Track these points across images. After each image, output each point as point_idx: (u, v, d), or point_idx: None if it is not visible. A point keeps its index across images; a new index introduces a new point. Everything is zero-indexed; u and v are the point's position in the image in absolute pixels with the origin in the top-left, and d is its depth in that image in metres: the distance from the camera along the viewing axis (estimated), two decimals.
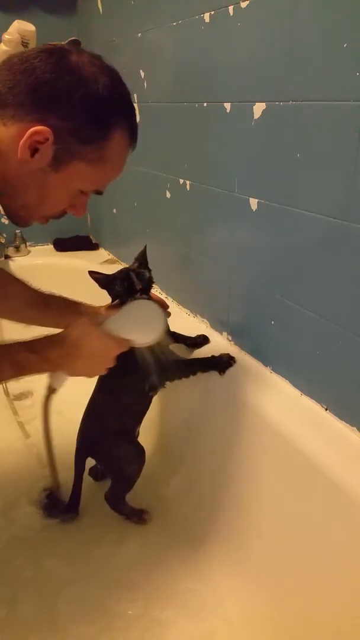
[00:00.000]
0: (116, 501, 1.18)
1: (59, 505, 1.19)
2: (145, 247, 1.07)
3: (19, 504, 1.23)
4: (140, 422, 1.17)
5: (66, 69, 0.69)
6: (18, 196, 0.75)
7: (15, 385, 1.57)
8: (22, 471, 1.33)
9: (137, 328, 0.92)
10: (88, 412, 1.14)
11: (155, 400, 1.35)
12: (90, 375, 0.95)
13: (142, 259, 1.07)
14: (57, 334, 0.87)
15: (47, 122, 0.69)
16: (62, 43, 0.74)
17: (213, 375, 1.17)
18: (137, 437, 1.18)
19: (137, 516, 1.19)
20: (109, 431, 1.13)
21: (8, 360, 0.83)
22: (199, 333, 1.28)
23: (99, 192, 0.81)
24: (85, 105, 0.70)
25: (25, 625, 0.97)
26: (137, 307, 0.95)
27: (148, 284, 1.03)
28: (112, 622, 0.98)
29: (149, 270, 1.05)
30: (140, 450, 1.16)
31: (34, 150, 0.70)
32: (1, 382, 1.46)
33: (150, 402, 1.17)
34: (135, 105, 1.51)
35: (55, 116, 0.69)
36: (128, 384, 1.09)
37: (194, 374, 1.15)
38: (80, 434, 1.15)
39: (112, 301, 1.04)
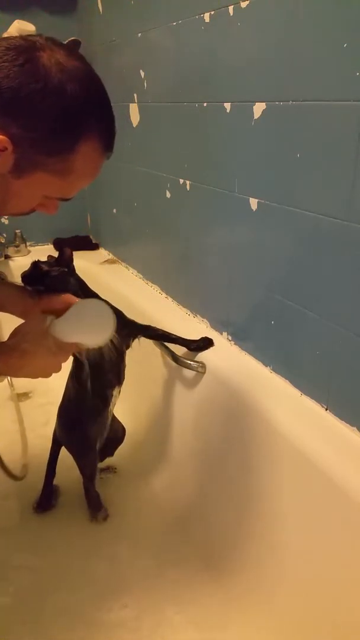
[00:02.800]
0: (84, 487, 1.21)
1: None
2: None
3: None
4: (99, 414, 1.16)
5: (31, 74, 0.64)
6: None
7: None
8: None
9: (86, 329, 0.88)
10: (62, 400, 1.19)
11: (156, 401, 1.35)
12: (36, 378, 0.91)
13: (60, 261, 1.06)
14: (5, 342, 0.84)
15: (7, 130, 0.65)
16: (38, 38, 0.67)
17: (213, 375, 1.17)
18: (104, 432, 1.20)
19: (95, 512, 1.21)
20: (69, 418, 1.17)
21: None
22: (198, 333, 1.27)
23: (65, 199, 0.77)
24: (48, 116, 0.65)
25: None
26: (84, 307, 0.91)
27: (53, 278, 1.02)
28: (102, 629, 0.98)
29: (68, 273, 1.05)
30: (91, 444, 1.17)
31: None
32: None
33: (109, 397, 1.17)
34: (135, 105, 1.51)
35: (16, 125, 0.65)
36: (79, 377, 1.13)
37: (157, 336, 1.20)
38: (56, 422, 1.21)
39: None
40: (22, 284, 1.06)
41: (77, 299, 1.03)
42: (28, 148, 0.67)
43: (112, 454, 1.26)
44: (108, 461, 1.28)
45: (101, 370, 1.11)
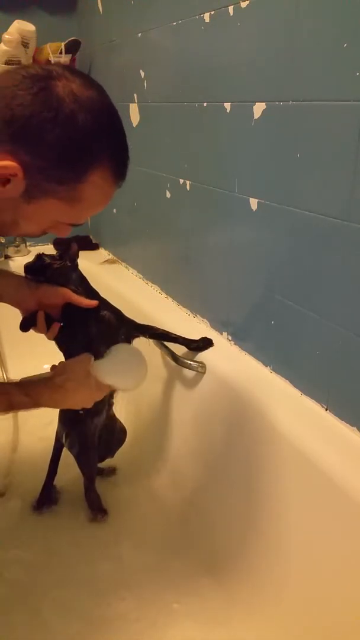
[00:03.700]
0: (84, 487, 1.21)
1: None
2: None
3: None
4: (97, 414, 1.16)
5: (45, 104, 0.64)
6: None
7: None
8: None
9: (122, 375, 0.96)
10: None
11: (156, 401, 1.35)
12: (71, 408, 1.01)
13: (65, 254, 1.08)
14: (50, 379, 0.92)
15: (18, 156, 0.66)
16: (55, 67, 0.68)
17: (213, 375, 1.17)
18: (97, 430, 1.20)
19: (94, 512, 1.21)
20: (70, 418, 1.16)
21: (4, 402, 0.88)
22: (198, 333, 1.27)
23: (76, 225, 0.79)
24: (58, 146, 0.66)
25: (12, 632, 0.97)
26: (123, 353, 0.98)
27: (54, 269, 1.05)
28: (102, 624, 0.98)
29: (71, 268, 1.07)
30: (90, 444, 1.18)
31: (6, 181, 0.68)
32: None
33: (107, 396, 1.16)
34: (135, 105, 1.51)
35: (26, 152, 0.66)
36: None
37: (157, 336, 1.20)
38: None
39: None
40: (23, 275, 1.07)
41: (74, 296, 1.04)
42: (38, 175, 0.68)
43: (112, 455, 1.26)
44: (108, 462, 1.28)
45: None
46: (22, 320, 1.04)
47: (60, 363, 0.95)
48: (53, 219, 0.75)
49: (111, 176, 0.73)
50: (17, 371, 1.68)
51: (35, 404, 0.93)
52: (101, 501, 1.21)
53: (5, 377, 1.71)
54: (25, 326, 1.04)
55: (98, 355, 1.05)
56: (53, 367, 0.98)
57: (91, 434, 1.16)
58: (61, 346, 1.09)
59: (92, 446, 1.17)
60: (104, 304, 1.09)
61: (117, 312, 1.10)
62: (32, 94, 0.64)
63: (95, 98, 0.68)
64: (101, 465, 1.26)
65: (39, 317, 1.03)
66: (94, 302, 1.06)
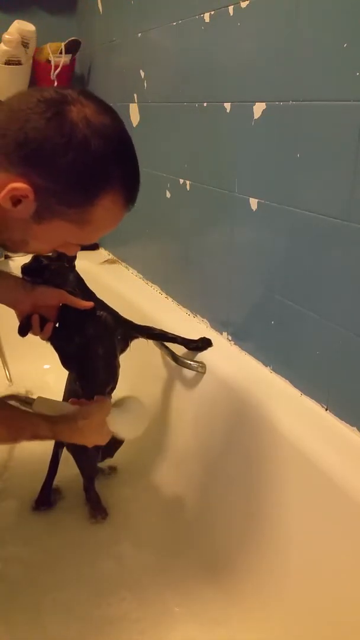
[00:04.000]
0: (84, 487, 1.22)
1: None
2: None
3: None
4: None
5: (57, 128, 0.65)
6: (4, 232, 0.75)
7: None
8: None
9: (129, 427, 1.04)
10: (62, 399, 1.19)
11: (156, 401, 1.35)
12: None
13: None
14: (74, 420, 0.96)
15: (30, 178, 0.67)
16: (70, 91, 0.68)
17: (213, 375, 1.17)
18: None
19: (94, 512, 1.21)
20: None
21: (30, 432, 0.92)
22: (198, 333, 1.27)
23: (85, 245, 0.79)
24: (70, 170, 0.67)
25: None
26: (134, 408, 1.05)
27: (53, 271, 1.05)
28: (102, 625, 0.98)
29: (69, 269, 1.08)
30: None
31: (17, 201, 0.68)
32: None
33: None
34: (135, 105, 1.51)
35: (38, 175, 0.67)
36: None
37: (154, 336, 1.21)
38: None
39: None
40: (18, 276, 1.07)
41: (70, 297, 1.04)
42: (49, 198, 0.68)
43: (112, 455, 1.26)
44: (108, 462, 1.28)
45: (95, 370, 1.11)
46: (19, 326, 1.05)
47: (84, 406, 0.99)
48: (62, 239, 0.76)
49: (121, 200, 0.74)
50: (18, 372, 1.70)
51: (54, 437, 1.01)
52: (101, 501, 1.21)
53: (8, 376, 1.72)
54: (22, 331, 1.04)
55: (95, 357, 1.05)
56: (74, 402, 1.01)
57: None
58: (57, 347, 1.10)
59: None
60: (101, 305, 1.09)
61: (114, 314, 1.10)
62: (46, 118, 0.65)
63: (109, 124, 0.69)
64: (101, 465, 1.26)
65: (34, 320, 1.04)
66: (89, 304, 1.06)
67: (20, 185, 0.66)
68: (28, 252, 0.83)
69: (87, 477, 1.20)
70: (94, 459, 1.20)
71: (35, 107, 0.65)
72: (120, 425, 1.01)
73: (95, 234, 0.76)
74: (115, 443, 1.26)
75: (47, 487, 1.24)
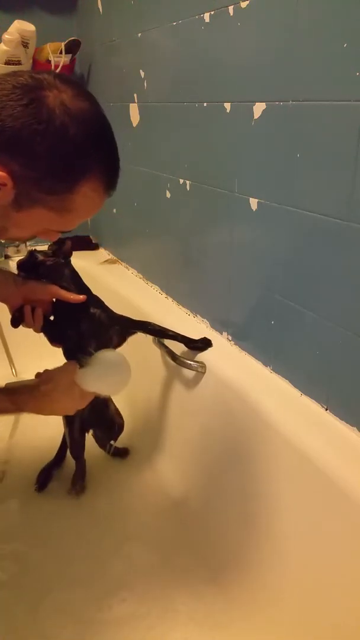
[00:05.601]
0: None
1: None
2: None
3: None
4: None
5: (34, 115, 0.64)
6: None
7: None
8: None
9: (105, 382, 0.97)
10: None
11: (156, 401, 1.35)
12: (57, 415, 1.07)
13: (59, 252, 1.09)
14: (35, 387, 0.93)
15: (8, 166, 0.66)
16: (46, 76, 0.67)
17: (213, 375, 1.17)
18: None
19: (72, 485, 1.25)
20: None
21: None
22: (198, 333, 1.27)
23: (65, 232, 0.79)
24: (48, 158, 0.66)
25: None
26: (105, 360, 0.99)
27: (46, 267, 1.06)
28: (102, 626, 0.98)
29: (64, 264, 1.08)
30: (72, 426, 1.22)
31: None
32: None
33: None
34: (135, 105, 1.51)
35: (16, 163, 0.66)
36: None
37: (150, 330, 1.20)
38: None
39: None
40: (11, 271, 1.08)
41: (61, 292, 1.05)
42: (28, 185, 0.68)
43: (114, 439, 1.30)
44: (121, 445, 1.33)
45: None
46: (11, 318, 1.06)
47: (45, 371, 0.96)
48: (42, 226, 0.76)
49: (101, 187, 0.73)
50: (21, 370, 1.70)
51: (19, 410, 0.95)
52: (84, 478, 1.26)
53: (14, 372, 1.73)
54: (15, 322, 1.06)
55: (87, 353, 1.05)
56: (38, 375, 0.98)
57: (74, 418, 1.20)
58: (53, 342, 1.11)
59: (73, 429, 1.21)
60: (95, 301, 1.10)
61: (107, 310, 1.11)
62: (23, 105, 0.64)
63: (87, 109, 0.68)
64: (117, 444, 1.31)
65: (26, 311, 1.05)
66: (80, 297, 1.06)
67: None
68: (8, 239, 0.83)
69: (74, 456, 1.26)
70: (78, 440, 1.24)
71: (11, 94, 0.64)
72: (95, 382, 0.95)
73: (76, 220, 0.75)
74: (114, 425, 1.27)
75: (48, 469, 1.29)
